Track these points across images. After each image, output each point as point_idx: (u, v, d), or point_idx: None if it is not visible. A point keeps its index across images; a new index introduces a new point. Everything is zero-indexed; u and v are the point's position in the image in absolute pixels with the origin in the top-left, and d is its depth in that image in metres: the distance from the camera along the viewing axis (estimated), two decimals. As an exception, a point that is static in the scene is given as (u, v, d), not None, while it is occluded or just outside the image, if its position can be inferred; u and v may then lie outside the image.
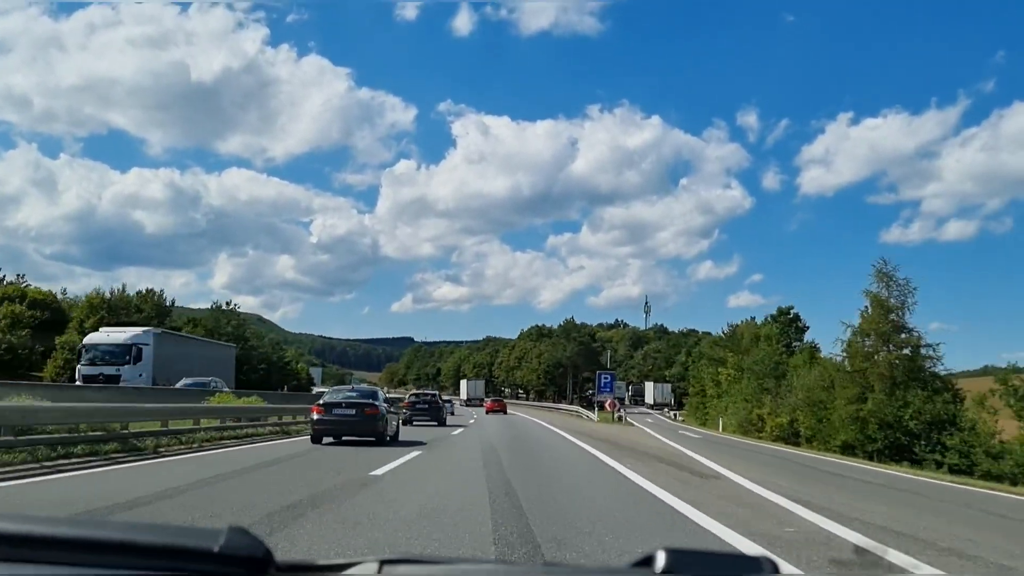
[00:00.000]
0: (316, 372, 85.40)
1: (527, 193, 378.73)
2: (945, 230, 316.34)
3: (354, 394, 18.86)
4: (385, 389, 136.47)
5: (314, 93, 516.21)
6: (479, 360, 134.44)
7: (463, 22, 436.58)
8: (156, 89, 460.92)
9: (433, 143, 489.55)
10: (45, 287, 64.69)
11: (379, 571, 1.00)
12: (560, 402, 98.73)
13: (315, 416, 17.72)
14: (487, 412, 57.30)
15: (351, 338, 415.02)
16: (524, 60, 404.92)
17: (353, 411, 17.71)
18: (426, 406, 31.18)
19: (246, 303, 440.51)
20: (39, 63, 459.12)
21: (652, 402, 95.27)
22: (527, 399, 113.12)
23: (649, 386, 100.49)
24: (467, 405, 63.42)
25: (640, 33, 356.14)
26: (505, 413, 57.94)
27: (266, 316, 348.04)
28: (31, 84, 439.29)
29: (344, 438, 17.79)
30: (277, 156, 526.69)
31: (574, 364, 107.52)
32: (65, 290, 70.95)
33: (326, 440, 17.66)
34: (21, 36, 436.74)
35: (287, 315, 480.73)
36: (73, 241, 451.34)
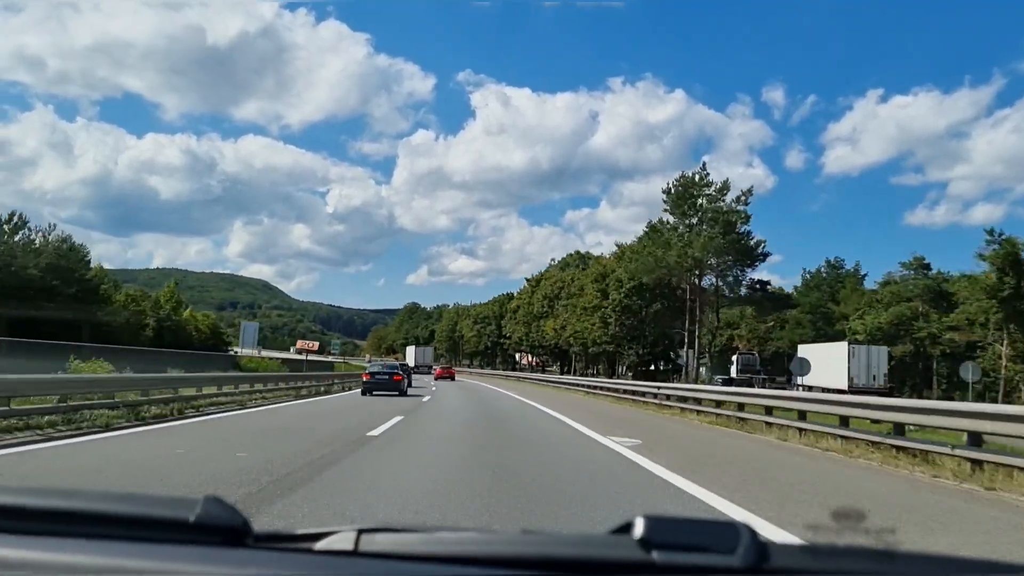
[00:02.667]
0: (251, 328, 73.46)
1: (546, 167, 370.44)
2: (971, 214, 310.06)
3: (386, 368, 32.13)
4: (368, 357, 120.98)
5: (331, 59, 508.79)
6: (483, 313, 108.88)
7: None
8: (171, 52, 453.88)
9: (452, 113, 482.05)
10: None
11: (357, 540, 1.01)
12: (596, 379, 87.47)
13: (364, 380, 29.78)
14: (435, 378, 59.40)
15: (361, 308, 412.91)
16: (546, 30, 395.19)
17: (387, 376, 29.97)
18: (386, 377, 30.27)
19: (261, 272, 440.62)
20: (52, 23, 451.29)
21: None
22: (538, 369, 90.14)
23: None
24: (415, 373, 60.82)
25: (666, 3, 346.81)
26: (453, 379, 59.99)
27: (274, 283, 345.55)
28: (44, 44, 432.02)
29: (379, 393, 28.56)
30: (293, 123, 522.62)
31: (655, 314, 62.51)
32: None
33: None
34: None
35: (302, 285, 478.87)
36: (89, 206, 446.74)
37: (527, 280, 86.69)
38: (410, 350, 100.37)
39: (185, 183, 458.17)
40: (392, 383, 29.19)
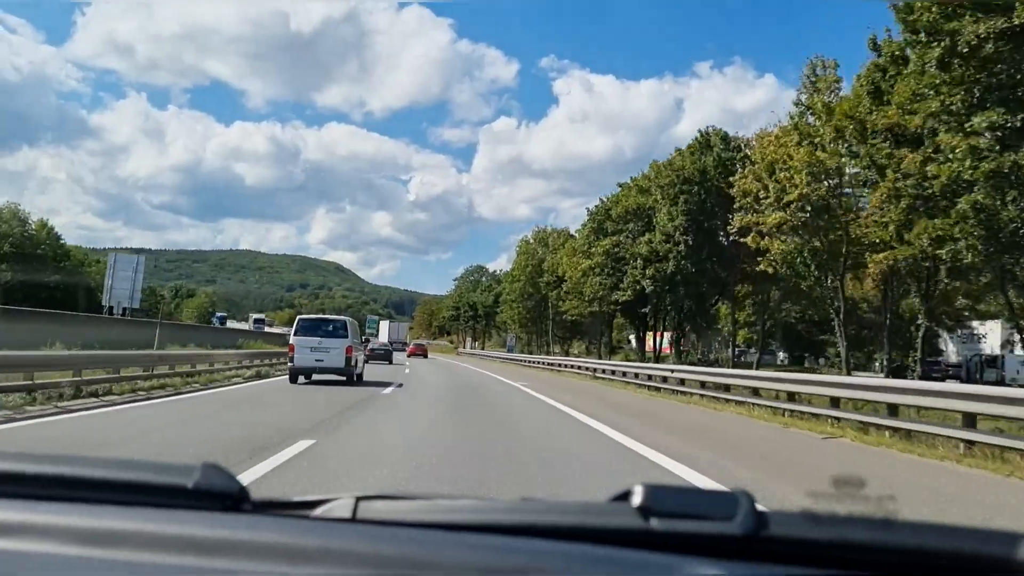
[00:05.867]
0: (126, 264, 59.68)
1: (628, 155, 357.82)
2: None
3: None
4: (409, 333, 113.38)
5: (414, 44, 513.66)
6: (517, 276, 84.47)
7: None
8: (256, 38, 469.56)
9: (534, 100, 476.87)
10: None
11: (355, 507, 1.03)
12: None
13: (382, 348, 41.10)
14: (408, 356, 58.75)
15: (437, 293, 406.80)
16: (633, 13, 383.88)
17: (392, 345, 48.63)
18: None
19: (343, 258, 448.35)
20: (141, 10, 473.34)
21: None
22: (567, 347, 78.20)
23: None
24: (391, 348, 53.61)
25: None
26: (425, 357, 60.58)
27: (349, 267, 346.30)
28: (133, 31, 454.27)
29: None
30: (376, 110, 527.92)
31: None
32: None
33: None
34: None
35: (384, 272, 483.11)
36: (180, 192, 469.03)
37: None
38: (384, 325, 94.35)
39: (270, 170, 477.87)
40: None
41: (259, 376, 22.34)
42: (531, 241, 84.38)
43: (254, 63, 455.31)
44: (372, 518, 1.01)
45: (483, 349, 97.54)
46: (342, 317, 22.73)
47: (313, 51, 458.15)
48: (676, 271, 42.34)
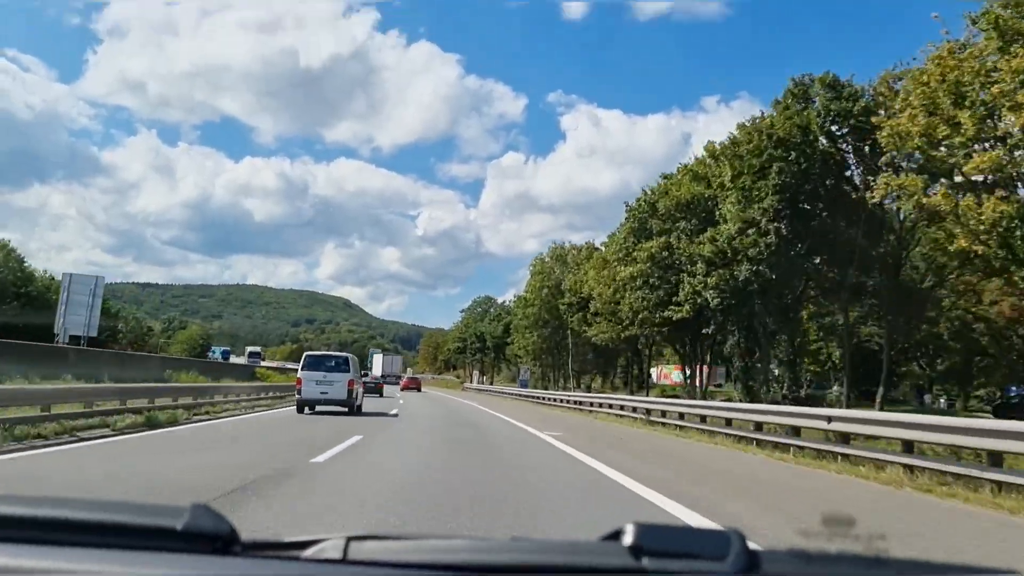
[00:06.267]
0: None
1: (635, 189, 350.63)
2: None
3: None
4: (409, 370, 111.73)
5: (422, 80, 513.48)
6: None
7: (576, 5, 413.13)
8: (266, 75, 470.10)
9: (542, 135, 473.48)
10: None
11: (346, 547, 1.01)
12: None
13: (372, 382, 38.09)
14: (402, 389, 56.91)
15: (442, 327, 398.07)
16: (639, 47, 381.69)
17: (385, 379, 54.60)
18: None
19: (351, 294, 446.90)
20: (152, 48, 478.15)
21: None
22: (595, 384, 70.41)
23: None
24: (384, 382, 54.58)
25: (766, 17, 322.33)
26: (419, 391, 59.06)
27: (356, 303, 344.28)
28: (145, 68, 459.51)
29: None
30: (384, 145, 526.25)
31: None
32: None
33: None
34: (136, 20, 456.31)
35: (392, 307, 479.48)
36: (189, 228, 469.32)
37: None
38: (377, 358, 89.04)
39: (279, 206, 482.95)
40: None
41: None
42: (547, 260, 73.01)
43: (264, 100, 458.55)
44: (363, 559, 0.99)
45: (492, 384, 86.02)
46: (344, 353, 24.35)
47: (322, 87, 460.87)
48: (753, 276, 30.76)
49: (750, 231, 30.32)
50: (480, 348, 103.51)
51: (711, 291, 32.76)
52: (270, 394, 28.19)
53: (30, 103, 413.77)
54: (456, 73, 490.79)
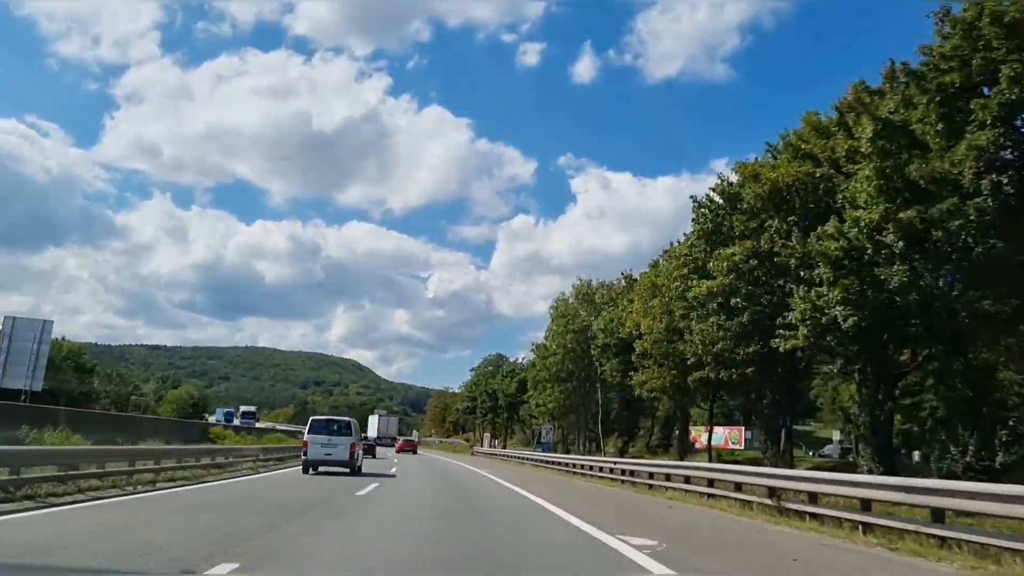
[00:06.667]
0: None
1: (646, 250, 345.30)
2: None
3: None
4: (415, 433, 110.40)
5: (434, 144, 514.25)
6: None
7: (585, 68, 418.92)
8: (278, 139, 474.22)
9: (552, 197, 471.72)
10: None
11: None
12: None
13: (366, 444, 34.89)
14: (397, 451, 56.43)
15: (456, 390, 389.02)
16: (648, 109, 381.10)
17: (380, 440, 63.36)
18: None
19: (361, 356, 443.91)
20: (168, 112, 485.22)
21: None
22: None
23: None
24: (378, 443, 56.04)
25: (772, 82, 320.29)
26: (415, 453, 58.34)
27: (367, 365, 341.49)
28: (161, 133, 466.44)
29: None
30: (395, 207, 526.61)
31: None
32: None
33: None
34: (153, 85, 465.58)
35: (402, 370, 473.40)
36: (200, 290, 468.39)
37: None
38: (372, 420, 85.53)
39: (290, 268, 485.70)
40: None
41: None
42: (571, 300, 62.03)
43: (276, 163, 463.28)
44: None
45: (504, 448, 74.46)
46: (347, 418, 25.05)
47: (334, 151, 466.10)
48: (936, 277, 18.97)
49: (940, 205, 19.00)
50: (491, 408, 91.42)
51: (838, 308, 21.69)
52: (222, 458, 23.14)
53: (47, 167, 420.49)
54: (466, 137, 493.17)
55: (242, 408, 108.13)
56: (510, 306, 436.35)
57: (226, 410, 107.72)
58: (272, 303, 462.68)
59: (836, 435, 63.51)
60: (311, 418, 24.17)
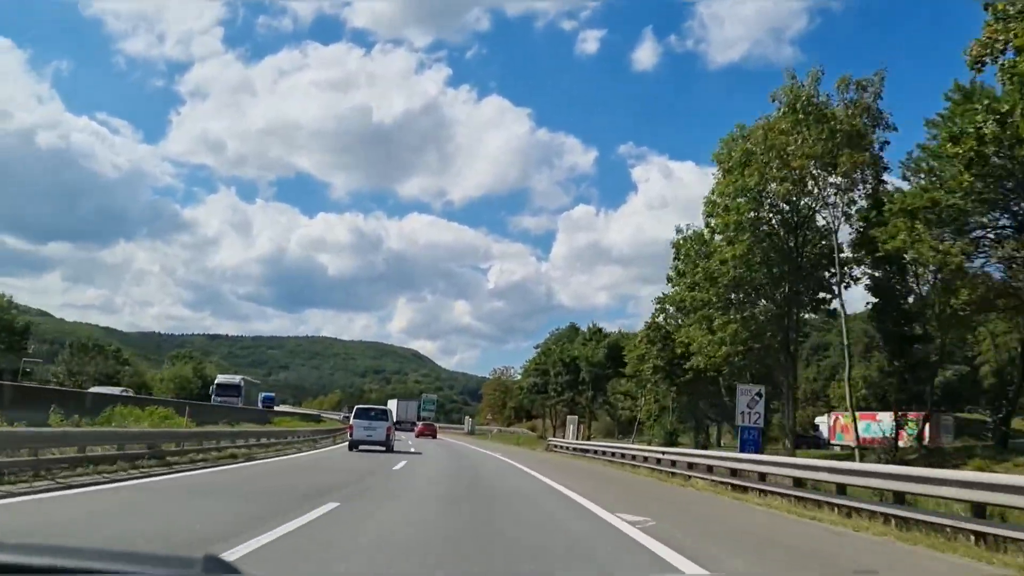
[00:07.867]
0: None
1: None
2: None
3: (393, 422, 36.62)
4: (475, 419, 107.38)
5: (494, 134, 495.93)
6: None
7: (646, 54, 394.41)
8: (339, 132, 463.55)
9: (613, 186, 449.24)
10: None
11: None
12: None
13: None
14: (416, 436, 57.59)
15: (512, 371, 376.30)
16: (711, 96, 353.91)
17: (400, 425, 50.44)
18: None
19: (424, 347, 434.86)
20: (231, 107, 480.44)
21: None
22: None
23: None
24: (397, 428, 47.82)
25: (840, 60, 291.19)
26: (435, 437, 57.55)
27: (425, 354, 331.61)
28: (224, 128, 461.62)
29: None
30: (455, 199, 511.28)
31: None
32: None
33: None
34: (217, 81, 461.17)
35: (464, 361, 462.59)
36: (265, 282, 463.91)
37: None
38: (392, 403, 79.40)
39: (352, 260, 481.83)
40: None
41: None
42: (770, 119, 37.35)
43: (337, 156, 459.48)
44: None
45: (588, 439, 52.47)
46: (383, 406, 35.47)
47: (395, 143, 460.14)
48: None
49: None
50: (570, 383, 68.38)
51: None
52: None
53: (117, 163, 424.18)
54: (527, 126, 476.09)
55: (262, 394, 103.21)
56: (570, 297, 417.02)
57: (266, 394, 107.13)
58: (335, 295, 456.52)
59: None
60: (356, 406, 30.80)
